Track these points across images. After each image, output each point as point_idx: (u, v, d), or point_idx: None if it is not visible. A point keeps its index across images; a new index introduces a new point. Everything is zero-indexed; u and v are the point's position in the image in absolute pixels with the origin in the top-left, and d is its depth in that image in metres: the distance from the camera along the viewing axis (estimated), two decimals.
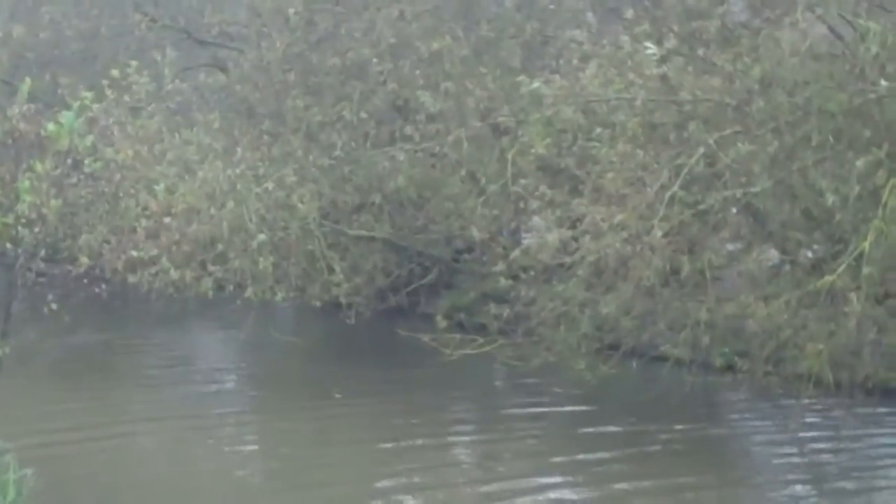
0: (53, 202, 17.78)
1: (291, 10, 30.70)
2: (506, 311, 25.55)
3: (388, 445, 24.11)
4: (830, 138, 23.03)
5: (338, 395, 27.18)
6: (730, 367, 25.39)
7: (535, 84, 24.25)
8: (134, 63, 19.91)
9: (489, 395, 26.92)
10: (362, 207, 30.41)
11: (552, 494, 21.81)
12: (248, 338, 30.38)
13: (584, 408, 25.87)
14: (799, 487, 22.56)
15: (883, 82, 22.08)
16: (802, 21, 23.81)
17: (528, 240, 27.57)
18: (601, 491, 21.90)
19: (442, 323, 26.65)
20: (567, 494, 22.28)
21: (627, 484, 22.21)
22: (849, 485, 22.09)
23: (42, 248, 18.65)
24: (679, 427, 25.56)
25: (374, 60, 29.74)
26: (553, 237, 24.98)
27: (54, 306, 19.29)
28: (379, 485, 21.83)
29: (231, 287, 27.45)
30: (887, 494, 22.26)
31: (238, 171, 26.88)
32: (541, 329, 25.36)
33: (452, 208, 29.53)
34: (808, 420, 25.58)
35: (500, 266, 25.41)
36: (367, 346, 29.83)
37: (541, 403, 26.20)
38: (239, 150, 28.07)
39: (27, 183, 17.50)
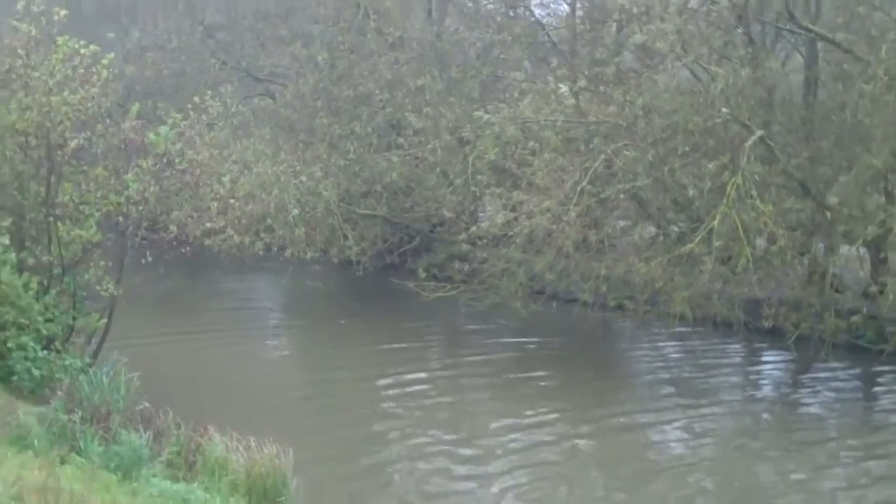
0: (153, 189, 17.89)
1: (319, 57, 30.77)
2: (466, 267, 25.94)
3: (383, 347, 24.71)
4: (690, 149, 23.19)
5: (342, 323, 27.46)
6: (620, 307, 25.86)
7: (486, 116, 24.32)
8: (209, 92, 19.91)
9: (453, 322, 27.18)
10: (368, 194, 30.52)
11: (489, 367, 23.34)
12: (287, 283, 30.54)
13: (518, 333, 26.04)
14: (664, 384, 22.93)
15: (724, 110, 22.23)
16: (672, 68, 23.93)
17: (482, 218, 27.64)
18: (520, 373, 22.84)
19: (422, 275, 26.70)
20: (498, 369, 23.36)
21: (544, 372, 23.30)
22: (698, 383, 22.38)
23: (144, 221, 18.70)
24: (582, 344, 25.97)
25: (377, 92, 29.84)
26: (500, 217, 25.27)
27: (151, 260, 19.38)
28: (374, 370, 22.85)
29: (275, 248, 27.54)
30: (725, 386, 22.97)
31: (281, 168, 26.94)
32: (490, 279, 25.58)
33: (430, 195, 29.65)
34: (673, 342, 25.94)
35: (463, 236, 25.62)
36: (370, 291, 29.92)
37: (488, 329, 26.37)
38: (282, 153, 28.13)
39: (133, 175, 17.62)
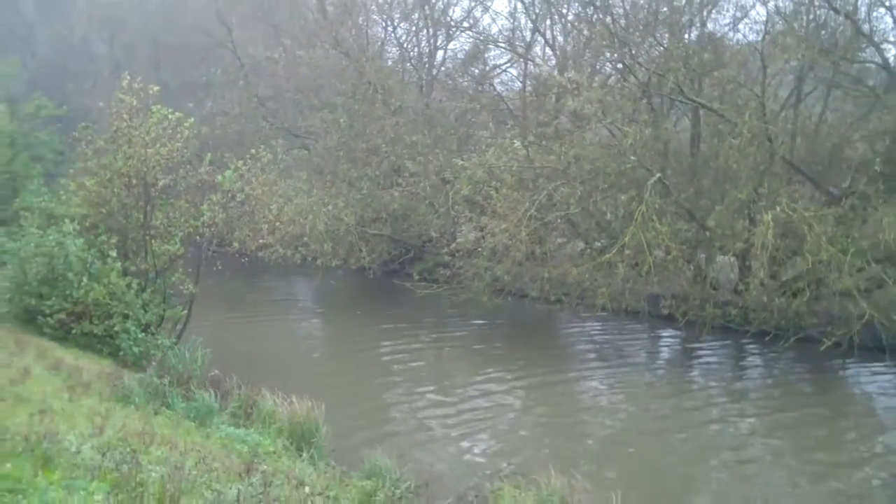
0: (221, 215, 17.93)
1: (341, 120, 30.81)
2: (447, 272, 25.84)
3: (387, 327, 24.78)
4: (608, 186, 23.28)
5: (358, 313, 27.41)
6: (559, 301, 25.76)
7: (462, 163, 24.37)
8: (262, 146, 19.99)
9: (438, 311, 27.03)
10: (377, 219, 30.53)
11: (462, 341, 22.82)
12: (318, 284, 30.49)
13: (484, 319, 26.04)
14: (589, 353, 23.00)
15: (632, 158, 22.31)
16: (595, 127, 24.07)
17: (459, 236, 27.62)
18: (484, 345, 23.08)
19: (416, 277, 26.81)
20: (469, 343, 23.20)
21: (501, 344, 23.59)
22: (614, 353, 22.40)
23: (215, 239, 18.78)
24: (530, 326, 25.94)
25: (383, 145, 29.82)
26: (471, 235, 25.41)
27: (220, 267, 19.45)
28: (380, 343, 22.87)
29: (309, 259, 27.51)
30: (633, 355, 22.84)
31: (313, 200, 27.02)
32: (465, 281, 25.61)
33: (422, 220, 29.77)
34: (597, 326, 25.98)
35: (445, 250, 25.71)
36: (378, 289, 29.95)
37: (463, 315, 26.35)
38: (314, 190, 28.21)
39: (207, 206, 17.66)
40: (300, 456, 11.68)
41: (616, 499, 10.42)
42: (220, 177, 18.30)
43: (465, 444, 15.11)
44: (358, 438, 14.40)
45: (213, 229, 18.23)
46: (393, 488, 10.38)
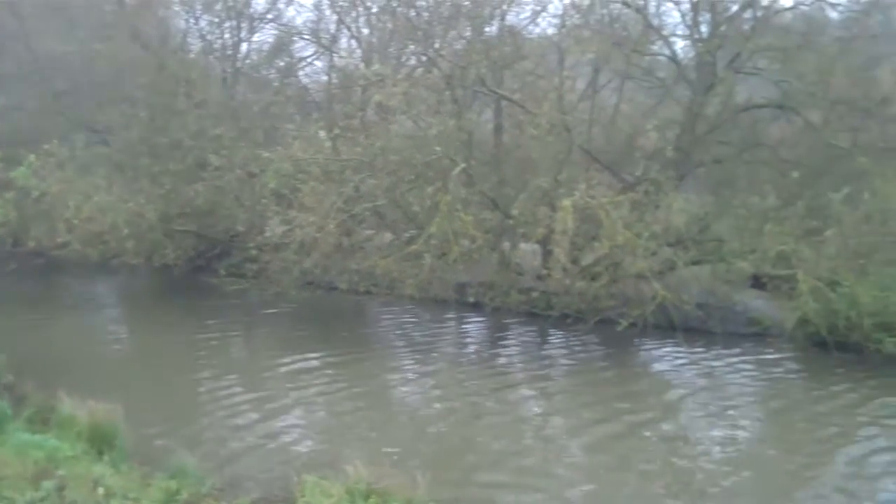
0: (13, 214, 17.22)
1: (142, 114, 29.96)
2: (255, 267, 25.54)
3: (192, 324, 24.05)
4: (414, 177, 23.68)
5: (162, 311, 26.82)
6: (368, 292, 26.00)
7: (268, 156, 24.22)
8: (55, 141, 19.34)
9: (246, 307, 26.60)
10: (182, 215, 29.56)
11: (271, 332, 23.45)
12: (121, 283, 29.66)
13: (293, 313, 26.01)
14: (399, 340, 23.53)
15: (437, 149, 22.69)
16: (401, 119, 24.43)
17: (267, 230, 27.35)
18: (294, 333, 23.56)
19: (223, 273, 26.32)
20: (278, 333, 23.40)
21: (311, 338, 22.90)
22: (424, 339, 22.83)
23: (10, 238, 18.04)
24: (341, 318, 26.05)
25: (186, 140, 29.10)
26: (279, 229, 25.15)
27: (15, 267, 18.65)
28: (187, 341, 22.23)
29: (110, 257, 26.66)
30: (443, 341, 23.58)
31: (113, 197, 26.17)
32: (274, 275, 25.36)
33: (228, 214, 29.28)
34: (407, 315, 26.33)
35: (253, 244, 25.43)
36: (184, 287, 29.11)
37: (274, 308, 26.14)
38: (114, 187, 27.30)
39: None
40: (101, 459, 11.44)
41: (421, 479, 10.73)
42: (12, 173, 17.58)
43: (272, 436, 15.09)
44: (163, 438, 14.15)
45: (5, 228, 17.50)
46: (198, 486, 10.34)
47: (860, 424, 16.78)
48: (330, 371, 19.76)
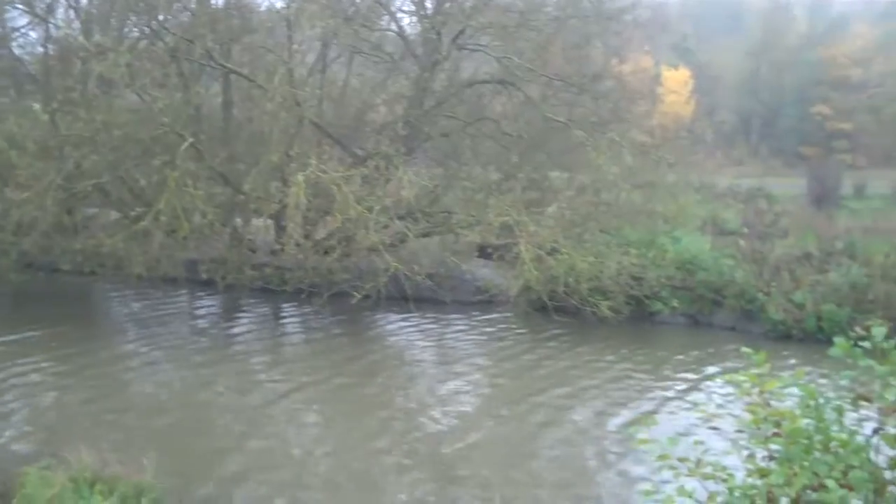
0: None
1: None
2: None
3: None
4: (141, 153, 23.01)
5: None
6: (94, 273, 24.34)
7: None
8: None
9: None
10: None
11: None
12: None
13: (11, 299, 24.44)
14: (129, 322, 22.72)
15: (164, 120, 22.03)
16: (124, 93, 23.64)
17: None
18: (16, 325, 21.47)
19: None
20: None
21: (33, 325, 21.63)
22: (154, 321, 22.28)
23: None
24: (64, 303, 24.89)
25: None
26: None
27: None
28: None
29: None
30: (180, 323, 22.88)
31: None
32: None
33: None
34: (136, 295, 25.88)
35: None
36: None
37: None
38: None
39: None
40: None
41: (148, 463, 10.57)
42: None
43: None
44: None
45: None
46: None
47: (576, 377, 18.17)
48: (51, 355, 18.91)
